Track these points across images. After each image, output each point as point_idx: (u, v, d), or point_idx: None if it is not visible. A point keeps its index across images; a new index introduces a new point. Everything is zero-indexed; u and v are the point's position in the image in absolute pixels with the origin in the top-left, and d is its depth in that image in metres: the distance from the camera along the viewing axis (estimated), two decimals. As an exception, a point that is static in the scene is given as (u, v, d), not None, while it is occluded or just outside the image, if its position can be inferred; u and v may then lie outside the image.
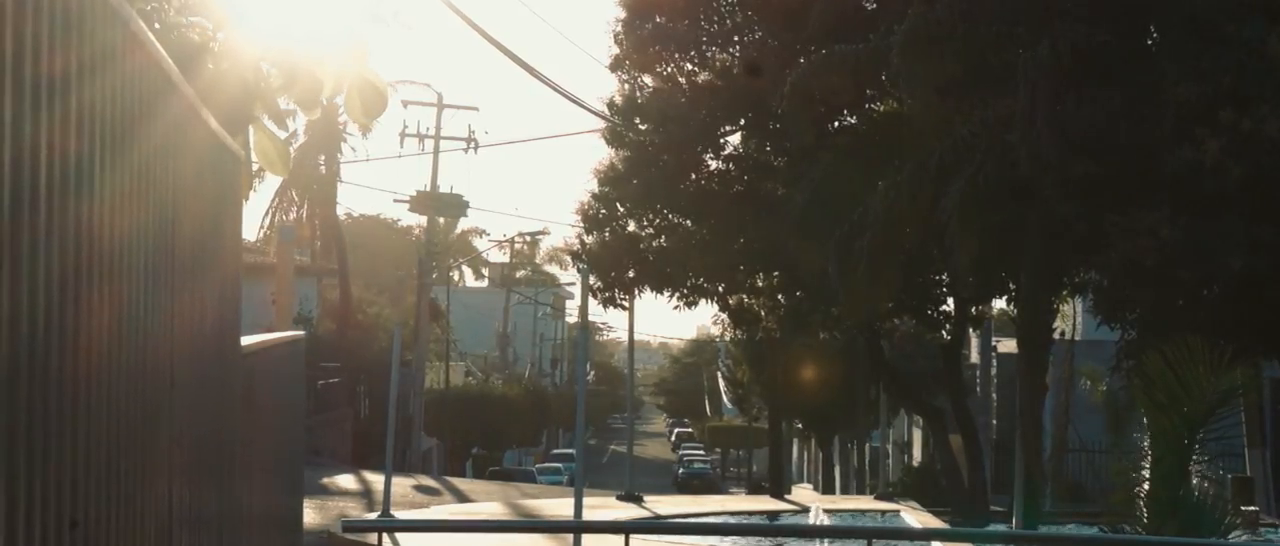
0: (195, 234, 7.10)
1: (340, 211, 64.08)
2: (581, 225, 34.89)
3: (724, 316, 38.27)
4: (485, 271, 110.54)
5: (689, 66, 32.88)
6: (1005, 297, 31.24)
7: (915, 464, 54.41)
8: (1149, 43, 24.03)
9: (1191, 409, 16.94)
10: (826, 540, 24.63)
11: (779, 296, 34.73)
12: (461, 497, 35.85)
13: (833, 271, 24.10)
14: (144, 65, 5.82)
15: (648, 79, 33.71)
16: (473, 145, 60.23)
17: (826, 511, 31.22)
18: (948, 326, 34.28)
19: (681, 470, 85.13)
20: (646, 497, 33.55)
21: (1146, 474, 17.99)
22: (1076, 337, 41.62)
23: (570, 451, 75.53)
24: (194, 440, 7.23)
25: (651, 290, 34.58)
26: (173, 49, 6.74)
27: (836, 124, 30.61)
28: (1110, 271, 23.06)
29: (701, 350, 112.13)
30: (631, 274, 34.15)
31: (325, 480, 35.96)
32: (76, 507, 4.79)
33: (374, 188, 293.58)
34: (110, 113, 5.20)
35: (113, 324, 5.32)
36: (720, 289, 35.44)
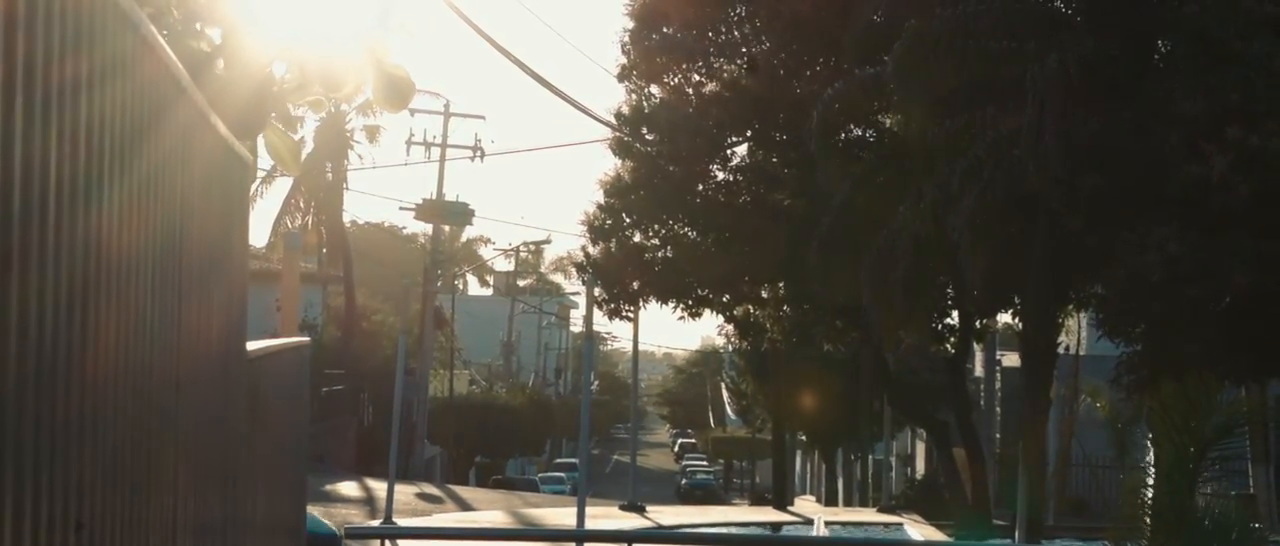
0: (204, 240, 7.12)
1: (346, 219, 64.18)
2: (587, 235, 34.96)
3: (729, 327, 38.34)
4: (490, 280, 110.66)
5: (696, 77, 32.91)
6: (1010, 311, 31.22)
7: (918, 476, 54.39)
8: (1157, 59, 24.04)
9: (1205, 430, 17.01)
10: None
11: (784, 307, 34.76)
12: (464, 506, 35.89)
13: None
14: (155, 71, 5.83)
15: (655, 89, 33.74)
16: (479, 154, 60.32)
17: (829, 523, 31.25)
18: (952, 339, 34.27)
19: (685, 481, 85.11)
20: (649, 508, 33.59)
21: (1151, 491, 18.01)
22: (1082, 352, 41.55)
23: (573, 461, 75.61)
24: (199, 445, 7.25)
25: (656, 300, 34.61)
26: (181, 54, 6.75)
27: (845, 136, 30.59)
28: (1116, 286, 23.06)
29: (706, 361, 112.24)
30: (636, 284, 34.18)
31: (328, 487, 36.01)
32: (82, 509, 4.82)
33: (380, 195, 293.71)
34: (121, 119, 5.21)
35: (121, 330, 5.33)
36: (725, 299, 35.48)
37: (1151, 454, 20.16)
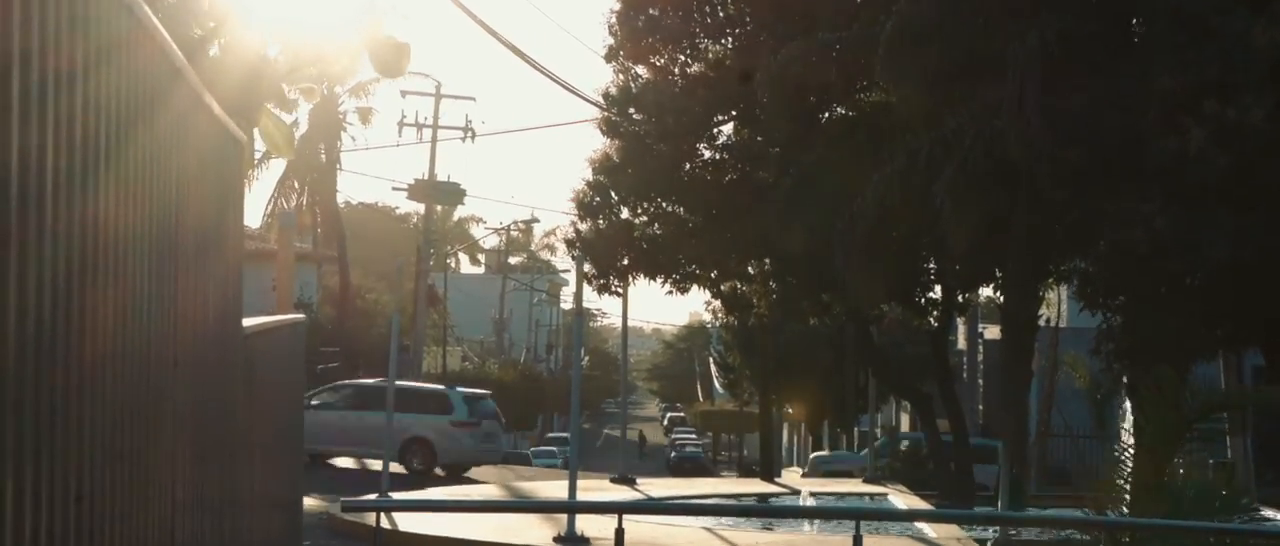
0: (199, 218, 7.13)
1: (340, 199, 64.35)
2: (577, 213, 35.20)
3: (716, 302, 38.60)
4: (482, 258, 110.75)
5: (682, 57, 33.18)
6: (992, 285, 31.51)
7: (903, 448, 54.71)
8: (1134, 33, 24.28)
9: (1192, 407, 17.31)
10: (815, 521, 24.98)
11: (770, 282, 35.04)
12: (458, 480, 36.15)
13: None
14: (151, 54, 5.87)
15: (642, 70, 34.01)
16: (470, 134, 60.55)
17: (815, 494, 31.55)
18: (935, 313, 34.55)
19: (674, 453, 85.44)
20: (640, 480, 33.88)
21: (1130, 462, 18.29)
22: (1062, 325, 41.88)
23: (565, 435, 75.80)
24: (196, 420, 7.33)
25: (645, 277, 34.88)
26: (177, 37, 6.86)
27: (826, 115, 30.88)
28: (1097, 259, 23.33)
29: (694, 335, 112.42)
30: (626, 261, 34.44)
31: (324, 462, 36.28)
32: (82, 483, 4.88)
33: (373, 176, 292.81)
34: (117, 102, 5.24)
35: (118, 307, 5.37)
36: (713, 275, 35.73)
37: (1130, 423, 20.42)
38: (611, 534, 14.37)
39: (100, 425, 5.20)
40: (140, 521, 6.02)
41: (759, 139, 32.08)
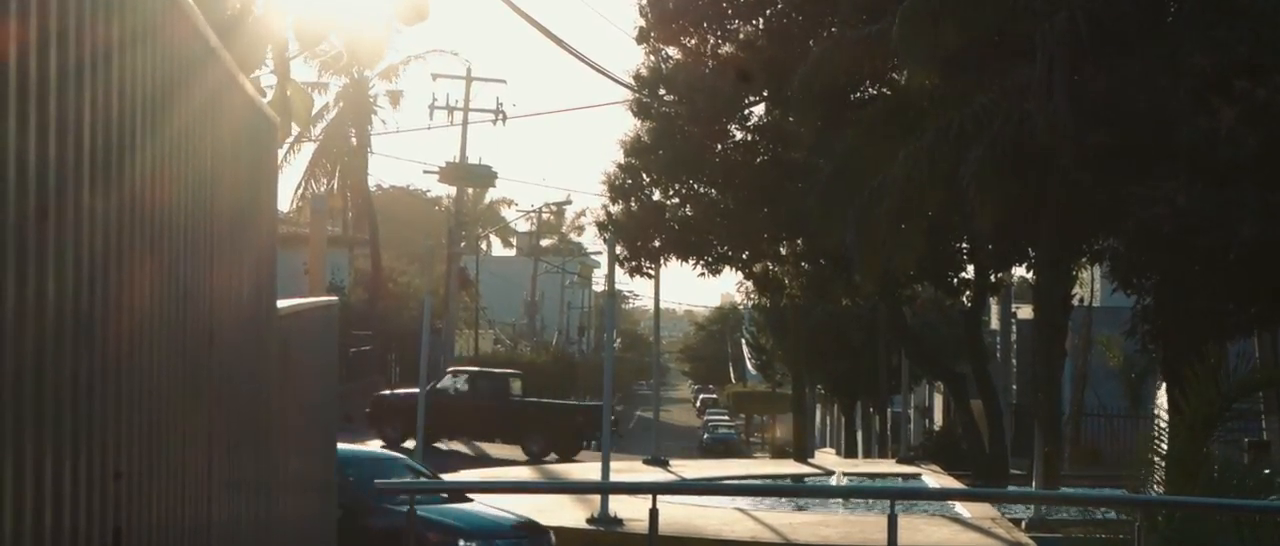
0: (233, 198, 7.14)
1: (371, 183, 64.52)
2: (608, 195, 35.23)
3: (748, 284, 38.62)
4: (513, 240, 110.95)
5: (713, 39, 33.16)
6: (1025, 265, 31.47)
7: (936, 428, 54.66)
8: (1166, 14, 24.20)
9: (1231, 387, 17.30)
10: (850, 501, 25.03)
11: (802, 264, 35.03)
12: (491, 461, 36.29)
13: (850, 239, 24.38)
14: (185, 33, 5.90)
15: (673, 51, 34.02)
16: (501, 117, 60.67)
17: (848, 475, 31.60)
18: (968, 293, 34.52)
19: (706, 435, 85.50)
20: (672, 461, 33.94)
21: (1165, 444, 18.27)
22: (1094, 304, 41.81)
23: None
24: (232, 397, 7.36)
25: (677, 258, 34.90)
26: (210, 16, 6.88)
27: (859, 95, 30.82)
28: (1127, 239, 23.30)
29: (725, 317, 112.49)
30: (657, 242, 34.47)
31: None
32: (120, 460, 4.92)
33: (404, 159, 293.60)
34: (152, 80, 5.26)
35: (154, 285, 5.39)
36: (744, 257, 35.74)
37: (1164, 402, 20.42)
38: (645, 515, 14.39)
39: (137, 403, 5.21)
40: (177, 498, 6.04)
41: (791, 120, 32.07)
